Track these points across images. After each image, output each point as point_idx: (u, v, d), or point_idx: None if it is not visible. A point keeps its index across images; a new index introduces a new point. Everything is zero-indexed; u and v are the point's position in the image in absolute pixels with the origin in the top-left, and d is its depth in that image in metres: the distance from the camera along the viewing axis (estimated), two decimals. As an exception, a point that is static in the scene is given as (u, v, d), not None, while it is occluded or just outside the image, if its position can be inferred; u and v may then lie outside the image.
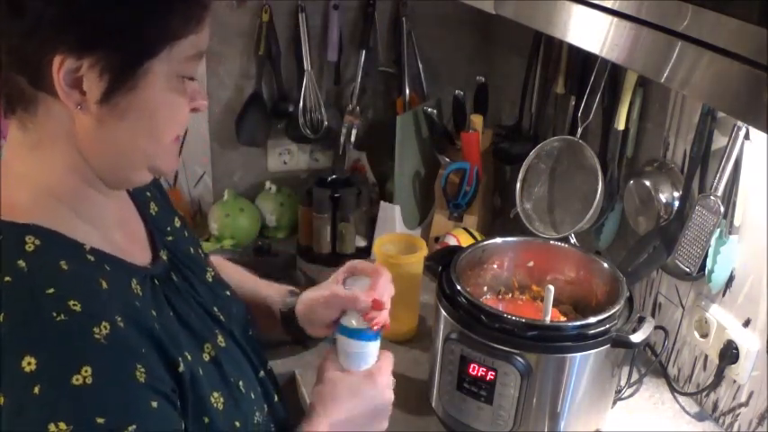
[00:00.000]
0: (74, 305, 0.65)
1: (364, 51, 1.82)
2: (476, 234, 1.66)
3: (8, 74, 0.68)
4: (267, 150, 1.93)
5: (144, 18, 0.68)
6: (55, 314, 0.64)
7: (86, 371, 0.63)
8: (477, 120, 1.73)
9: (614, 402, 1.28)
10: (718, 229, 1.19)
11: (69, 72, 0.66)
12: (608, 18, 0.87)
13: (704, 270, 1.22)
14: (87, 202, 0.75)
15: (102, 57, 0.67)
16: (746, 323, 1.21)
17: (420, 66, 1.88)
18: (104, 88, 0.68)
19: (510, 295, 1.36)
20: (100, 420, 0.63)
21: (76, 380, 0.63)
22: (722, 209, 1.17)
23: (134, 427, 0.64)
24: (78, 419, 0.62)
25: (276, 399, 0.94)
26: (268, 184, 1.88)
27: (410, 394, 1.33)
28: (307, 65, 1.79)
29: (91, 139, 0.71)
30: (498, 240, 1.36)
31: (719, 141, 1.21)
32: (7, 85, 0.69)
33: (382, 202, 1.80)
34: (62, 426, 0.61)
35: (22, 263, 0.67)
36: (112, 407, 0.64)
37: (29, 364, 0.62)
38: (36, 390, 0.62)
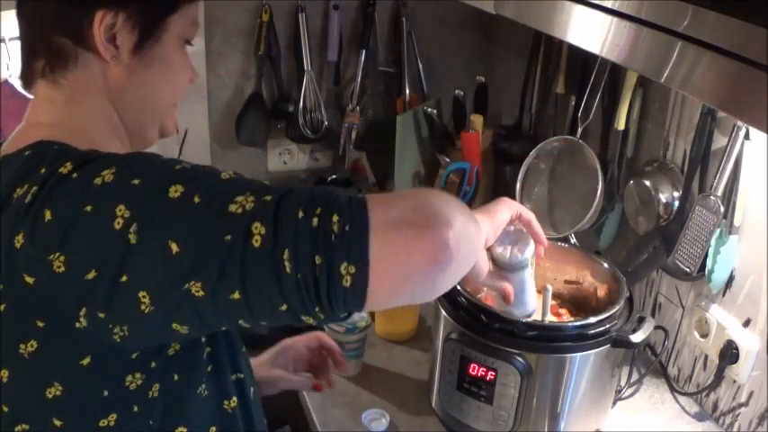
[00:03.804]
0: None
1: (364, 51, 1.82)
2: (476, 234, 1.66)
3: (51, 36, 0.77)
4: (267, 150, 1.93)
5: None
6: None
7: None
8: (477, 120, 1.73)
9: (614, 402, 1.28)
10: (718, 229, 1.19)
11: (107, 27, 0.76)
12: (608, 18, 0.87)
13: (704, 270, 1.22)
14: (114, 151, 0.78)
15: (134, 11, 0.76)
16: (746, 323, 1.21)
17: (420, 66, 1.88)
18: (135, 40, 0.78)
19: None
20: None
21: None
22: (722, 209, 1.17)
23: None
24: None
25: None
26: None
27: (410, 394, 1.34)
28: (307, 65, 1.79)
29: (122, 89, 0.80)
30: (498, 240, 1.36)
31: (719, 141, 1.21)
32: (51, 47, 0.77)
33: (382, 202, 1.79)
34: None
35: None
36: None
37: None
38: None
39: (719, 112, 1.17)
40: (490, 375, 1.12)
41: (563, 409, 1.15)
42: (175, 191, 0.65)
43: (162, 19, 0.79)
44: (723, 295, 1.26)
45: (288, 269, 0.62)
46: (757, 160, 1.14)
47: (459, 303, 1.16)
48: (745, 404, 1.22)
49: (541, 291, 1.18)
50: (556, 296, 1.31)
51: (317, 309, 0.65)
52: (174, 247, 0.63)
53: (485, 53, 1.97)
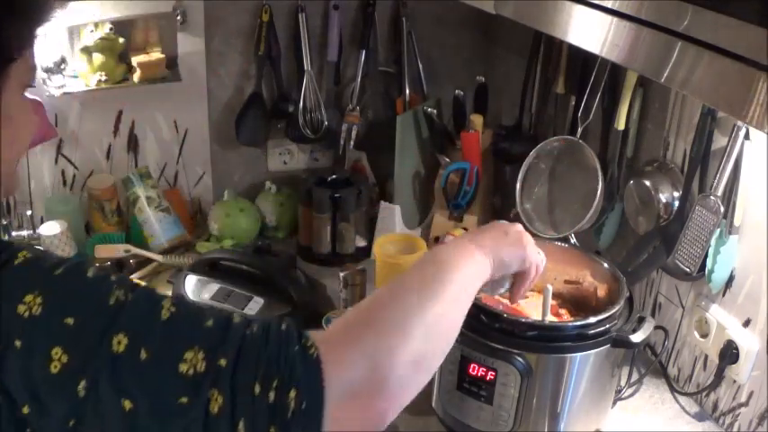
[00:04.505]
0: None
1: (364, 51, 1.82)
2: (476, 234, 1.66)
3: None
4: (267, 150, 1.93)
5: (6, 21, 0.68)
6: None
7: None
8: (477, 120, 1.73)
9: (614, 402, 1.28)
10: (718, 229, 1.19)
11: None
12: (608, 18, 0.87)
13: (704, 270, 1.22)
14: None
15: None
16: (746, 323, 1.21)
17: (420, 66, 1.88)
18: None
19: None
20: None
21: None
22: (722, 209, 1.17)
23: None
24: None
25: None
26: (268, 184, 1.88)
27: (410, 394, 1.33)
28: (307, 65, 1.79)
29: None
30: (498, 240, 1.36)
31: (719, 141, 1.21)
32: None
33: (382, 202, 1.80)
34: None
35: None
36: None
37: None
38: None
39: (719, 112, 1.17)
40: (490, 375, 1.12)
41: (563, 409, 1.15)
42: (118, 342, 0.62)
43: (2, 69, 0.68)
44: (723, 295, 1.26)
45: None
46: (757, 160, 1.14)
47: (459, 303, 1.16)
48: (745, 404, 1.22)
49: (541, 291, 1.18)
50: (556, 296, 1.30)
51: None
52: (128, 405, 0.62)
53: (485, 53, 1.97)
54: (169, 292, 1.53)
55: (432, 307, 0.77)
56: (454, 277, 0.82)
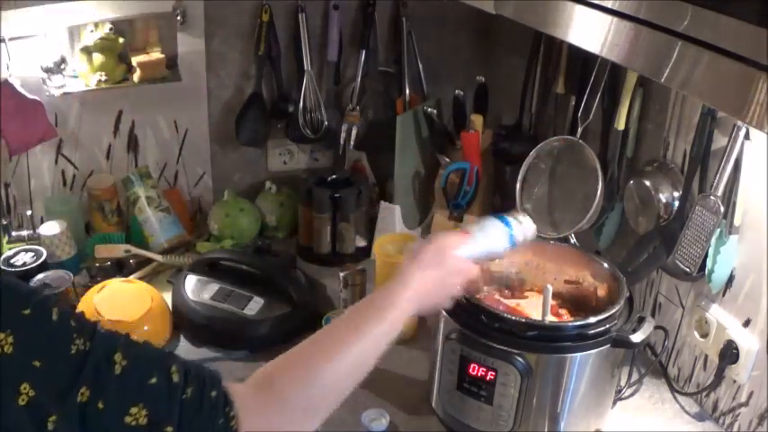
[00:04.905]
0: None
1: (364, 51, 1.82)
2: (476, 234, 1.66)
3: None
4: (267, 150, 1.93)
5: None
6: None
7: None
8: (477, 120, 1.73)
9: (614, 402, 1.28)
10: (718, 229, 1.19)
11: None
12: (608, 18, 0.87)
13: (704, 270, 1.22)
14: None
15: None
16: (746, 323, 1.21)
17: (420, 66, 1.88)
18: None
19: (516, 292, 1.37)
20: None
21: None
22: (722, 209, 1.17)
23: None
24: None
25: None
26: (268, 184, 1.88)
27: (410, 394, 1.34)
28: (307, 65, 1.79)
29: None
30: (498, 240, 1.36)
31: (719, 141, 1.21)
32: None
33: (382, 202, 1.80)
34: None
35: None
36: None
37: None
38: None
39: (719, 112, 1.17)
40: (490, 375, 1.12)
41: (563, 409, 1.15)
42: (82, 393, 0.70)
43: None
44: (723, 295, 1.26)
45: None
46: (757, 160, 1.14)
47: (459, 303, 1.16)
48: (745, 404, 1.22)
49: (541, 290, 1.18)
50: (556, 296, 1.31)
51: None
52: None
53: (485, 53, 1.97)
54: (169, 293, 1.54)
55: (333, 373, 0.90)
56: (361, 342, 0.93)
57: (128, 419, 0.72)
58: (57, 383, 0.69)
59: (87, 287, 1.50)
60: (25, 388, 0.66)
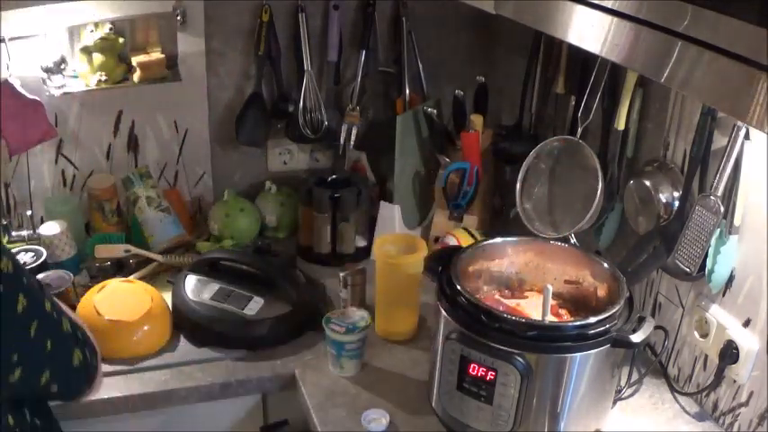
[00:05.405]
0: None
1: (364, 51, 1.82)
2: (476, 234, 1.66)
3: None
4: (267, 150, 1.93)
5: None
6: None
7: None
8: (477, 120, 1.73)
9: (614, 402, 1.28)
10: (718, 229, 1.19)
11: None
12: (608, 18, 0.87)
13: (704, 270, 1.22)
14: None
15: None
16: (746, 323, 1.21)
17: (420, 66, 1.88)
18: None
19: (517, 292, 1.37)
20: None
21: None
22: (722, 209, 1.17)
23: None
24: None
25: None
26: (268, 184, 1.88)
27: (410, 394, 1.34)
28: (307, 65, 1.79)
29: None
30: (498, 240, 1.36)
31: (719, 141, 1.21)
32: None
33: (382, 202, 1.80)
34: None
35: None
36: None
37: None
38: None
39: (719, 112, 1.17)
40: (490, 375, 1.12)
41: (563, 409, 1.15)
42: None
43: None
44: (723, 295, 1.26)
45: None
46: (757, 160, 1.14)
47: (459, 303, 1.16)
48: (745, 404, 1.22)
49: (541, 291, 1.18)
50: (556, 296, 1.31)
51: None
52: None
53: (485, 53, 1.97)
54: (169, 293, 1.54)
55: None
56: None
57: None
58: None
59: (87, 287, 1.50)
60: None
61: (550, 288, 1.17)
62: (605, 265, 1.27)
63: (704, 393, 1.31)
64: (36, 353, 0.93)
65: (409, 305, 1.50)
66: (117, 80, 1.65)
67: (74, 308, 1.43)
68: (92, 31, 1.60)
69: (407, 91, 1.86)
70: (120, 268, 1.64)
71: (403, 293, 1.47)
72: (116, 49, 1.63)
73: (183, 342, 1.47)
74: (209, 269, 1.57)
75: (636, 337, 1.11)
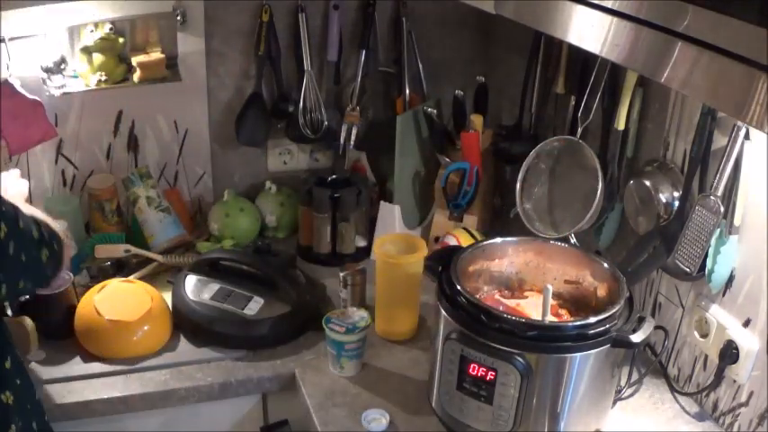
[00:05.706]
0: None
1: (364, 51, 1.82)
2: (476, 234, 1.66)
3: None
4: (267, 150, 1.93)
5: None
6: None
7: None
8: (477, 120, 1.73)
9: (614, 402, 1.28)
10: (718, 229, 1.19)
11: None
12: (608, 18, 0.87)
13: (704, 270, 1.22)
14: None
15: None
16: (746, 323, 1.21)
17: (420, 66, 1.88)
18: None
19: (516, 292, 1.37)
20: None
21: None
22: (722, 209, 1.17)
23: None
24: None
25: None
26: (268, 184, 1.88)
27: (410, 394, 1.34)
28: (307, 65, 1.79)
29: None
30: (498, 240, 1.36)
31: (719, 141, 1.21)
32: None
33: (382, 202, 1.80)
34: None
35: None
36: None
37: None
38: None
39: (719, 112, 1.17)
40: (490, 375, 1.12)
41: (563, 409, 1.15)
42: None
43: None
44: (723, 295, 1.26)
45: None
46: (757, 160, 1.14)
47: (459, 303, 1.16)
48: (745, 404, 1.22)
49: (541, 291, 1.18)
50: (556, 296, 1.31)
51: None
52: None
53: (485, 53, 1.97)
54: (169, 293, 1.54)
55: None
56: None
57: None
58: None
59: (87, 287, 1.50)
60: None
61: (550, 288, 1.17)
62: (605, 265, 1.27)
63: (704, 393, 1.31)
64: (14, 267, 0.97)
65: (409, 305, 1.50)
66: (117, 80, 1.65)
67: (74, 308, 1.43)
68: (92, 31, 1.60)
69: (407, 91, 1.86)
70: (120, 268, 1.64)
71: (403, 293, 1.47)
72: (116, 49, 1.63)
73: (182, 342, 1.47)
74: (209, 269, 1.58)
75: (636, 337, 1.11)
